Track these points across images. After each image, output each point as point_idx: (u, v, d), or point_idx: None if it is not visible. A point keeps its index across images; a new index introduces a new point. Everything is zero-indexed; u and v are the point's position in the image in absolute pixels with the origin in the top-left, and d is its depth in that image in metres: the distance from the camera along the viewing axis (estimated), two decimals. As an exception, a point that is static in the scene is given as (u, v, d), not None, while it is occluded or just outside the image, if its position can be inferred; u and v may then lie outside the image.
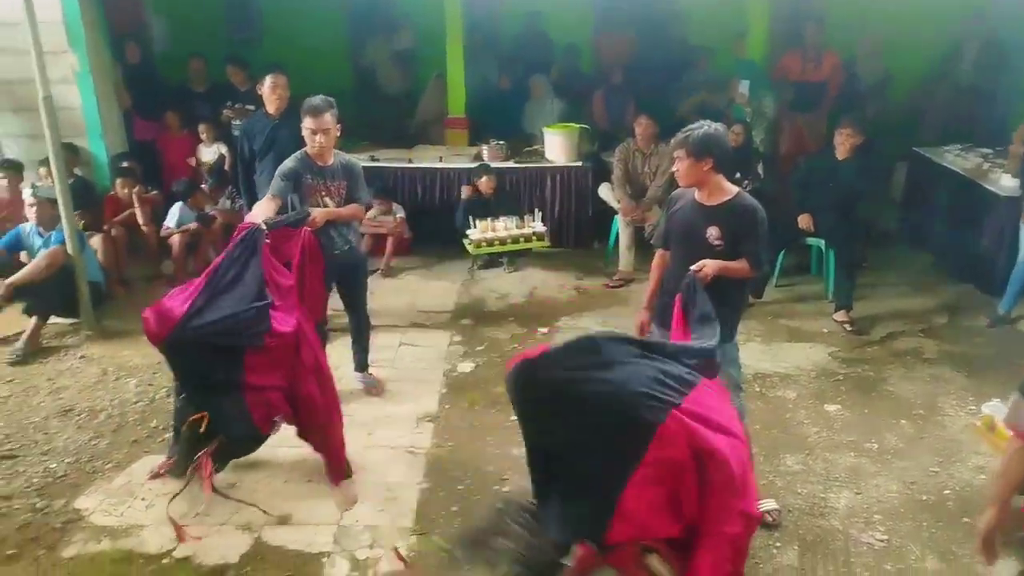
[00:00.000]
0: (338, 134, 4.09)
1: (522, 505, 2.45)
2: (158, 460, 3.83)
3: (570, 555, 2.35)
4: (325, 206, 4.08)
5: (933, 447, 4.04)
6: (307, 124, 3.98)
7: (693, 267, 3.12)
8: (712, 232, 3.23)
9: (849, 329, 5.29)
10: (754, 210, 3.23)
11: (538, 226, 6.28)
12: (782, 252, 5.99)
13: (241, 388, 3.27)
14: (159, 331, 3.22)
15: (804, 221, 5.73)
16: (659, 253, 3.63)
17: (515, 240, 6.23)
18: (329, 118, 3.98)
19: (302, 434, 3.57)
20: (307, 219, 3.85)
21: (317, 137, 3.99)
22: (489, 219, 6.23)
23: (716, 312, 2.98)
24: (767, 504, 3.43)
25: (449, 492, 3.67)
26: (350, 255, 4.29)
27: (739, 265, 3.21)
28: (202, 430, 3.29)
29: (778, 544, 3.31)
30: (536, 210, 6.42)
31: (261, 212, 3.77)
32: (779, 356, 4.99)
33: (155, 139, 7.16)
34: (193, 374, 3.36)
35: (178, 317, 3.20)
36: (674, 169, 3.32)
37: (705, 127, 3.19)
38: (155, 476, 3.75)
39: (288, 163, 4.07)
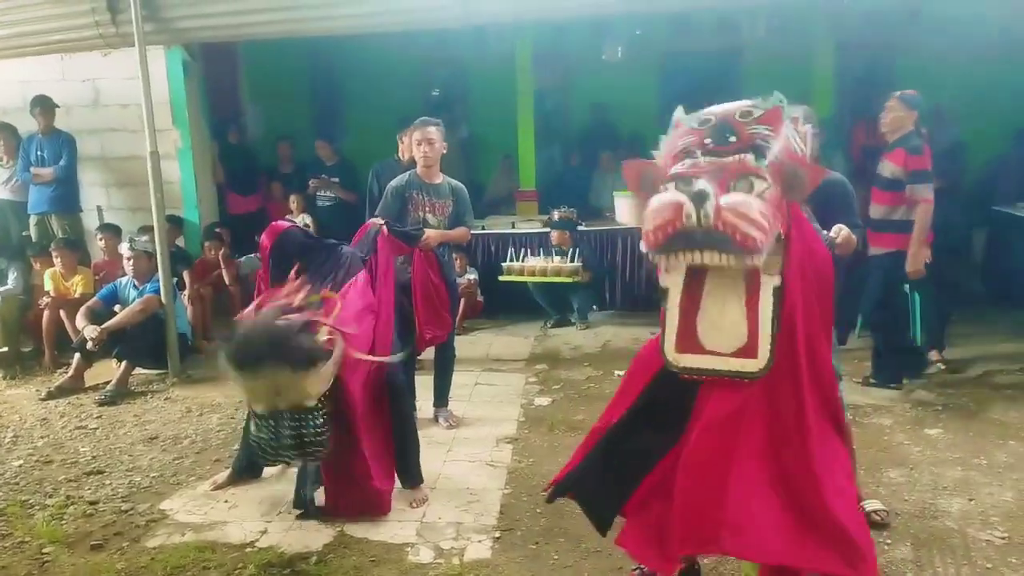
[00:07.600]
0: (443, 151, 4.24)
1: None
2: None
3: None
4: (426, 222, 4.18)
5: (1049, 463, 3.76)
6: (415, 136, 4.16)
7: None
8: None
9: (943, 368, 5.07)
10: (843, 183, 3.26)
11: (576, 264, 6.37)
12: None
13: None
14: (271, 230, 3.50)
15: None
16: None
17: (548, 272, 6.37)
18: (434, 131, 4.14)
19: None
20: (421, 238, 3.96)
21: (422, 147, 4.13)
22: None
23: None
24: (871, 504, 3.23)
25: (532, 497, 3.53)
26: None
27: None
28: None
29: (888, 541, 3.07)
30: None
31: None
32: (871, 391, 4.77)
33: (262, 208, 7.63)
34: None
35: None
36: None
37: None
38: (217, 488, 3.77)
39: (396, 181, 4.23)
